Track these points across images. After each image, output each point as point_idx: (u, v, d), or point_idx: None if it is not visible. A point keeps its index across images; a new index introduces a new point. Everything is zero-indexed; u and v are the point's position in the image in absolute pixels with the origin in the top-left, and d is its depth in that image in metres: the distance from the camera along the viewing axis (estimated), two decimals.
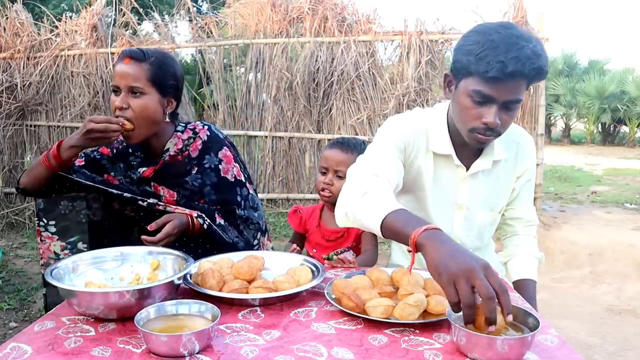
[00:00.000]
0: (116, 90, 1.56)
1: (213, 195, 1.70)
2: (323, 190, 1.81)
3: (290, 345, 1.02)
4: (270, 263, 1.44)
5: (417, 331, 1.08)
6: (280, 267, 1.42)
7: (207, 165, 1.69)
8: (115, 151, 1.73)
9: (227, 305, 1.20)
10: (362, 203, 1.24)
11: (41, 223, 1.64)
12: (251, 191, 1.76)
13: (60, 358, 0.97)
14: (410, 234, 1.06)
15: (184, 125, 1.72)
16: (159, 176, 1.68)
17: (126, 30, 5.96)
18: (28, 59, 5.87)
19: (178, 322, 1.06)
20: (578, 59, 16.65)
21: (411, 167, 1.54)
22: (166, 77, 1.60)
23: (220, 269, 1.31)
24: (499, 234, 1.79)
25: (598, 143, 15.78)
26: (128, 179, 1.71)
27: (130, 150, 1.72)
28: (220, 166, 1.70)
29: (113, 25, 5.94)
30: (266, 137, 5.73)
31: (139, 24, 6.26)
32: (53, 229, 1.65)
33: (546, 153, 5.74)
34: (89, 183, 1.62)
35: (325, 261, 1.55)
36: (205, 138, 1.70)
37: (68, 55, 5.87)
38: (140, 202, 1.63)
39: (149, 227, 1.50)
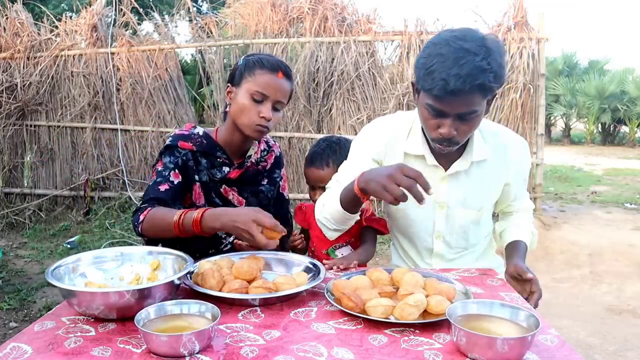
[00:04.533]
0: (259, 100, 1.56)
1: (272, 208, 1.80)
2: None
3: (290, 345, 1.02)
4: (270, 263, 1.44)
5: (417, 331, 1.08)
6: (280, 267, 1.42)
7: (277, 179, 1.81)
8: (199, 145, 1.65)
9: (227, 305, 1.20)
10: (326, 208, 1.54)
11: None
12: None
13: (60, 358, 0.97)
14: (353, 189, 1.37)
15: None
16: (240, 180, 1.70)
17: (126, 30, 5.96)
18: (28, 59, 5.87)
19: (178, 322, 1.07)
20: (578, 59, 16.63)
21: None
22: (293, 91, 1.68)
23: (220, 269, 1.31)
24: (499, 218, 1.81)
25: (598, 143, 15.77)
26: (207, 176, 1.66)
27: (213, 148, 1.67)
28: (280, 182, 1.85)
29: (113, 25, 5.95)
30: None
31: (139, 24, 6.26)
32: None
33: (546, 153, 5.74)
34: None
35: (325, 261, 1.56)
36: (278, 154, 1.84)
37: (68, 55, 5.87)
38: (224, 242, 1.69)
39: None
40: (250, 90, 1.55)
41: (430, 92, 1.33)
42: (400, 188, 1.23)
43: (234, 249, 1.64)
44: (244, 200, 1.71)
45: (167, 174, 1.59)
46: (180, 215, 1.40)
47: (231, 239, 1.68)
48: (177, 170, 1.61)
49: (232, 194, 1.69)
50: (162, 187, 1.57)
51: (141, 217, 1.49)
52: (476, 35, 1.33)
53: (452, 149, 1.46)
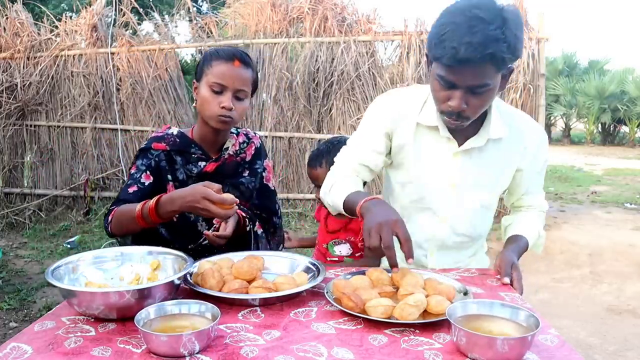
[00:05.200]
0: (218, 91, 1.57)
1: (256, 200, 1.78)
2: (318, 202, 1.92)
3: (290, 345, 1.02)
4: (270, 263, 1.44)
5: (417, 331, 1.08)
6: (280, 267, 1.42)
7: (259, 170, 1.79)
8: (172, 145, 1.68)
9: (227, 305, 1.20)
10: (331, 195, 1.52)
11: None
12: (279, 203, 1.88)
13: (60, 358, 0.97)
14: (357, 206, 1.33)
15: (235, 127, 1.81)
16: (217, 173, 1.69)
17: (126, 30, 5.96)
18: (28, 59, 5.87)
19: (178, 322, 1.07)
20: (578, 59, 16.66)
21: (397, 142, 1.55)
22: (257, 80, 1.69)
23: (220, 269, 1.31)
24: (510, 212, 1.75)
25: (598, 143, 15.78)
26: (184, 174, 1.67)
27: (187, 145, 1.69)
28: (264, 174, 1.81)
29: (113, 25, 5.95)
30: (266, 137, 5.73)
31: (139, 24, 6.26)
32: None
33: None
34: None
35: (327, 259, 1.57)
36: (258, 145, 1.82)
37: (68, 55, 5.87)
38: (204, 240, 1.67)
39: (215, 221, 1.58)
40: (209, 82, 1.56)
41: (440, 60, 1.28)
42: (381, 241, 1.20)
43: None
44: None
45: (138, 176, 1.64)
46: (142, 206, 1.44)
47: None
48: (148, 172, 1.65)
49: None
50: (131, 190, 1.61)
51: (109, 218, 1.56)
52: (493, 4, 1.26)
53: (461, 125, 1.40)
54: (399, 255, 1.75)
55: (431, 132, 1.51)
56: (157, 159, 1.66)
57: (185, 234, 1.68)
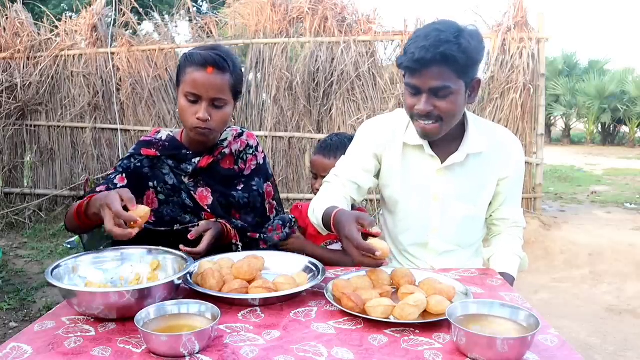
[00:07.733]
0: (193, 100, 1.50)
1: (249, 217, 1.69)
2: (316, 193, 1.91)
3: (290, 345, 1.02)
4: (270, 263, 1.44)
5: (417, 331, 1.09)
6: (280, 267, 1.42)
7: (255, 188, 1.71)
8: (162, 150, 1.63)
9: (227, 305, 1.20)
10: (315, 214, 1.54)
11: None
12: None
13: (60, 358, 0.97)
14: (330, 220, 1.38)
15: (236, 127, 1.76)
16: (211, 169, 1.63)
17: (126, 30, 5.96)
18: (28, 59, 5.87)
19: (178, 322, 1.07)
20: (578, 59, 16.66)
21: (384, 162, 1.65)
22: (241, 82, 1.59)
23: (220, 269, 1.31)
24: (487, 234, 1.80)
25: (598, 143, 15.78)
26: (174, 178, 1.61)
27: (177, 148, 1.64)
28: (263, 199, 1.74)
29: (113, 25, 5.94)
30: (266, 137, 5.73)
31: (139, 24, 6.25)
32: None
33: (546, 153, 5.74)
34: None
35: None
36: (262, 162, 1.75)
37: (68, 55, 5.87)
38: (190, 229, 1.56)
39: (189, 236, 1.48)
40: (184, 90, 1.51)
41: (403, 67, 1.43)
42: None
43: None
44: (211, 199, 1.63)
45: (112, 177, 1.60)
46: (79, 204, 1.39)
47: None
48: (124, 175, 1.60)
49: (203, 196, 1.62)
50: (99, 189, 1.55)
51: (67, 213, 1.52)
52: (453, 22, 1.43)
53: (434, 126, 1.46)
54: (400, 259, 1.77)
55: (416, 150, 1.60)
56: (139, 164, 1.61)
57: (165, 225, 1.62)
